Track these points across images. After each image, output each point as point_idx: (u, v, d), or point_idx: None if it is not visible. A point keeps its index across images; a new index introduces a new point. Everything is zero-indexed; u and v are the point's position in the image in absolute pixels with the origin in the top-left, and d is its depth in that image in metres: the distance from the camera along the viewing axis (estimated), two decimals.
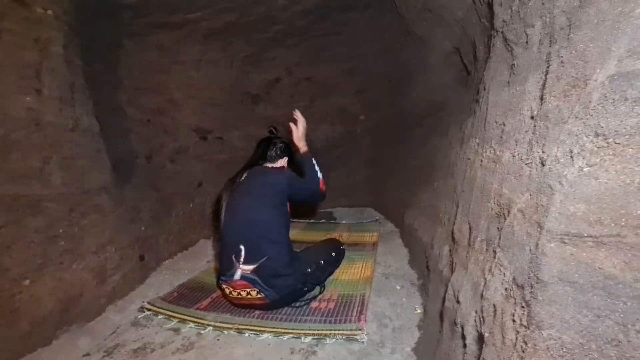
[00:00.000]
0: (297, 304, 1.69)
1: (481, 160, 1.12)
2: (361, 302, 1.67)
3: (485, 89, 1.25)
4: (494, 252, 0.83)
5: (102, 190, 1.85)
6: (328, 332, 1.44)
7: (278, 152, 1.90)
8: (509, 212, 0.81)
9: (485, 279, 0.84)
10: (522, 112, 0.87)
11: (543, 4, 0.83)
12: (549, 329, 0.53)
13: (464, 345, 0.89)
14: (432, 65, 2.50)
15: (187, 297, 1.85)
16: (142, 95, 2.64)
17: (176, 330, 1.55)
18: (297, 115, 1.91)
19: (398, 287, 1.84)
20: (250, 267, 1.60)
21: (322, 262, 1.89)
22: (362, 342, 1.37)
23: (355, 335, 1.40)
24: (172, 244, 2.49)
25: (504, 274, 0.74)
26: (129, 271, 1.93)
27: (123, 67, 2.51)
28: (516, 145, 0.87)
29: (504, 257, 0.76)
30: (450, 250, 1.38)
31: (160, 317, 1.65)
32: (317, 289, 1.81)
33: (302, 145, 1.88)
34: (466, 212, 1.19)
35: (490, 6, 1.31)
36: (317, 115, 3.55)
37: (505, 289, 0.71)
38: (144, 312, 1.70)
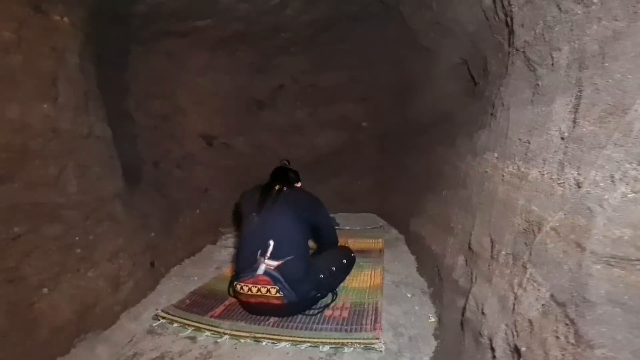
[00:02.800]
0: (311, 312, 1.71)
1: (502, 175, 1.16)
2: (374, 310, 1.69)
3: (503, 105, 1.29)
4: (524, 267, 0.87)
5: (116, 198, 1.85)
6: (345, 341, 1.46)
7: (294, 177, 2.16)
8: (539, 229, 0.84)
9: (515, 293, 0.87)
10: (550, 132, 0.91)
11: (571, 30, 0.87)
12: (601, 348, 0.56)
13: (493, 357, 0.92)
14: (438, 75, 2.53)
15: (200, 304, 1.85)
16: (150, 101, 2.65)
17: (192, 339, 1.56)
18: None
19: (409, 295, 1.86)
20: (276, 263, 1.64)
21: (334, 268, 1.92)
22: (381, 351, 1.39)
23: (373, 344, 1.42)
24: (179, 250, 2.49)
25: (539, 289, 0.77)
26: (141, 278, 1.93)
27: (131, 73, 2.51)
28: (544, 164, 0.90)
29: (537, 273, 0.80)
30: (466, 261, 1.41)
31: (175, 325, 1.65)
32: (330, 296, 1.83)
33: None
34: (486, 224, 1.22)
35: (507, 25, 1.35)
36: (321, 122, 3.58)
37: (542, 305, 0.74)
38: (159, 320, 1.69)
